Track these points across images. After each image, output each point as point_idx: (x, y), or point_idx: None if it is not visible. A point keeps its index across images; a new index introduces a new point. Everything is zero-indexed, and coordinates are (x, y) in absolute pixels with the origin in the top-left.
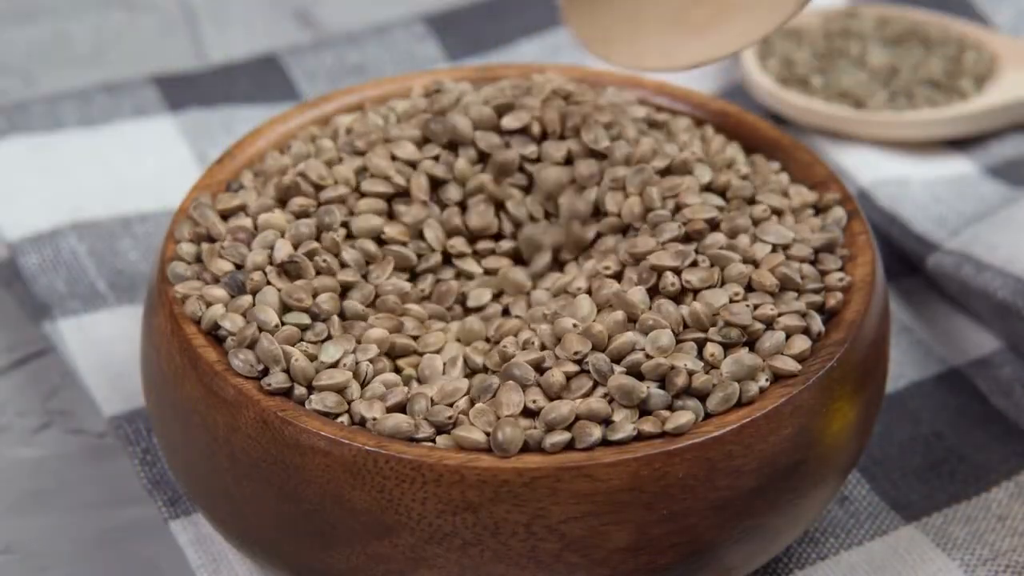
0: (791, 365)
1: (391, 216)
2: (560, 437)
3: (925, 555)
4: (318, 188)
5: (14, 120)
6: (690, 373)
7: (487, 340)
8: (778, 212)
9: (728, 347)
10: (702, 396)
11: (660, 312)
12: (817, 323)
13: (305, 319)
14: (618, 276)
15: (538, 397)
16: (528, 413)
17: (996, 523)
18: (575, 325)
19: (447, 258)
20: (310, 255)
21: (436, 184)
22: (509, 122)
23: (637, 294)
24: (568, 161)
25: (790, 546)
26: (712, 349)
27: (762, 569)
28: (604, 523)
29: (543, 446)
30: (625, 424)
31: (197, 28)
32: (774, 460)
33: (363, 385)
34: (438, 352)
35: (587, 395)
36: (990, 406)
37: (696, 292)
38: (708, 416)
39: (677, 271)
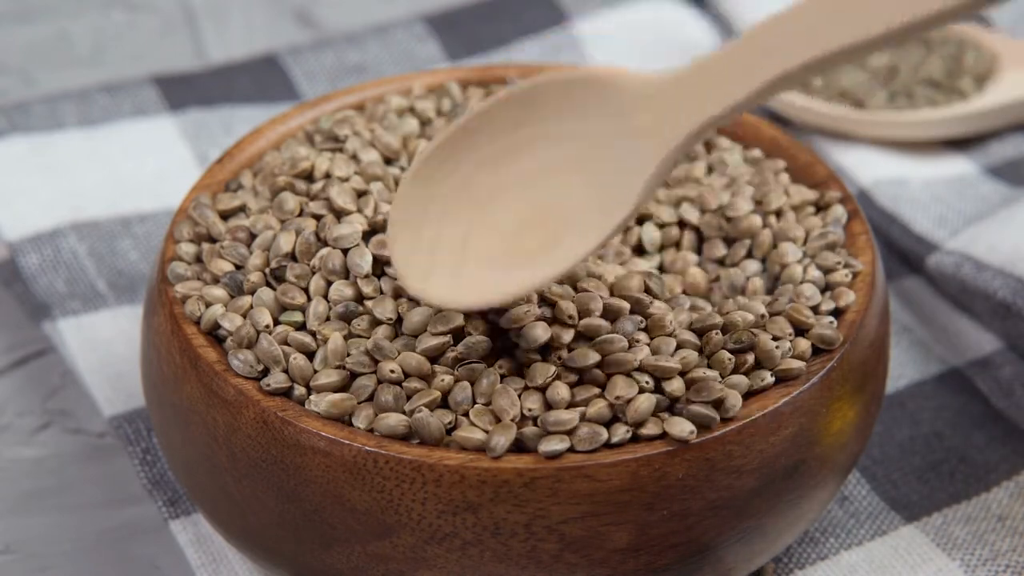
0: (796, 365)
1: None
2: (560, 445)
3: (925, 555)
4: (311, 195)
5: (14, 120)
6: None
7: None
8: (779, 212)
9: (738, 351)
10: (716, 404)
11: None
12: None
13: (299, 317)
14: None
15: (536, 404)
16: (529, 418)
17: (996, 523)
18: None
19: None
20: (302, 257)
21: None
22: None
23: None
24: None
25: (790, 546)
26: (725, 357)
27: (762, 569)
28: (604, 523)
29: (539, 451)
30: (623, 427)
31: (197, 28)
32: (774, 460)
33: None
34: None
35: (589, 402)
36: (990, 406)
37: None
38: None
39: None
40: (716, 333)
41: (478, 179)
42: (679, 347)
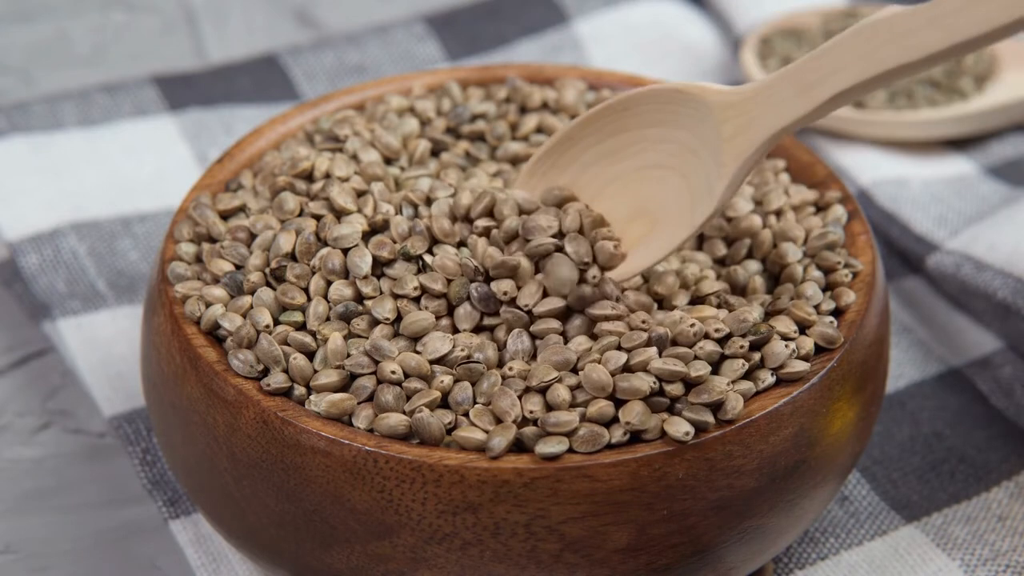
0: (801, 367)
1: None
2: (557, 447)
3: (925, 555)
4: (311, 195)
5: (14, 120)
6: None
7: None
8: (779, 212)
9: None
10: (716, 406)
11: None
12: (827, 324)
13: (299, 317)
14: None
15: (537, 406)
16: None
17: (996, 523)
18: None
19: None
20: (302, 257)
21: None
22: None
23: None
24: None
25: (790, 546)
26: (738, 363)
27: (762, 569)
28: (604, 523)
29: (536, 453)
30: (620, 429)
31: (197, 28)
32: (774, 460)
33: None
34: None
35: (590, 402)
36: (990, 406)
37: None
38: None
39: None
40: (735, 338)
41: (586, 177)
42: (695, 357)
